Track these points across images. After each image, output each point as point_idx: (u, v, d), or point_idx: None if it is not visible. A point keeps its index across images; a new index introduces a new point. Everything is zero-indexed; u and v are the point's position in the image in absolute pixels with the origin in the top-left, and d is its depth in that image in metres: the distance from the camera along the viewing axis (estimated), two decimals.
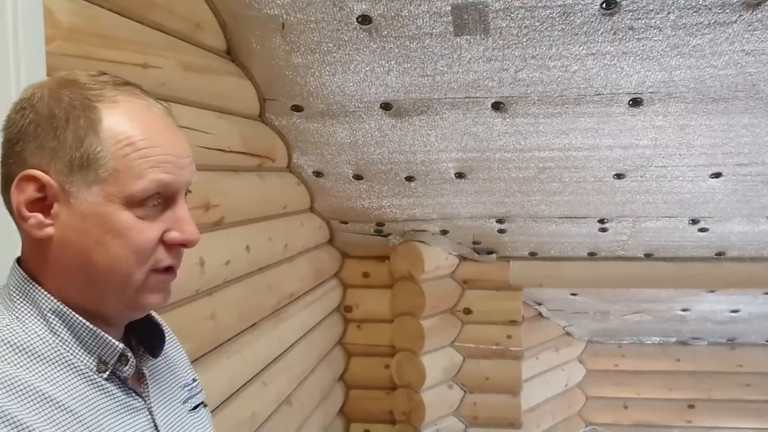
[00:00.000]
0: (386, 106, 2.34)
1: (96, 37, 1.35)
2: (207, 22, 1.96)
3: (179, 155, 0.84)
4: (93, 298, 0.82)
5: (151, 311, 0.95)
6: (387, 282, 3.33)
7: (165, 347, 0.97)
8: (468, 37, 2.03)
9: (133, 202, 0.80)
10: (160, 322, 0.97)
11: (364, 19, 2.01)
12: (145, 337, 0.94)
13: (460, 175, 2.67)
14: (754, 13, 1.86)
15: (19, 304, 0.81)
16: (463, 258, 3.31)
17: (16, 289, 0.82)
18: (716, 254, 3.04)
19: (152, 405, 0.89)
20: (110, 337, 0.83)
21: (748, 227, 2.83)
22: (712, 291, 3.41)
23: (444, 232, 3.14)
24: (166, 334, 1.00)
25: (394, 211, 2.97)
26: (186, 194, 0.87)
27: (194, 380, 1.04)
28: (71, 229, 0.79)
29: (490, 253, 3.25)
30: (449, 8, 1.95)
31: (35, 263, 0.82)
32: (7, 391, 0.72)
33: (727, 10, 1.87)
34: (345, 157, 2.64)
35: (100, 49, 1.36)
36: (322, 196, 2.90)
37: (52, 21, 1.21)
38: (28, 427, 0.72)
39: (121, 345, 0.84)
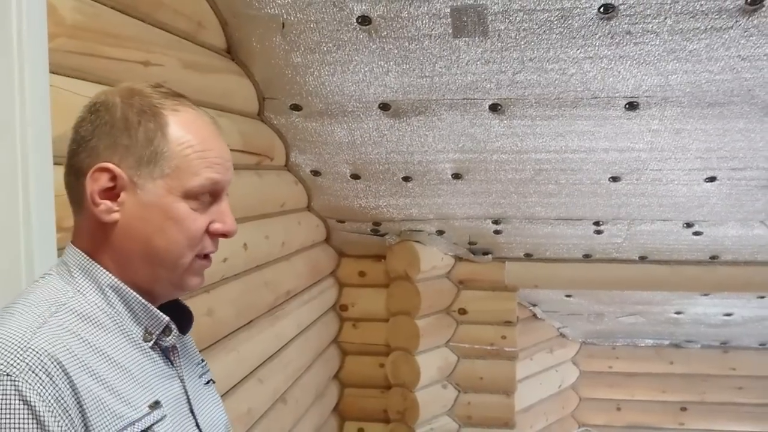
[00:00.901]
0: (384, 107, 2.36)
1: (99, 35, 1.37)
2: (208, 20, 1.97)
3: (226, 158, 0.99)
4: (147, 277, 0.95)
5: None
6: (383, 281, 3.35)
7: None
8: (467, 39, 2.05)
9: (189, 196, 0.94)
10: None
11: (364, 20, 2.02)
12: (174, 316, 1.04)
13: (456, 176, 2.68)
14: (750, 19, 1.88)
15: (79, 279, 0.93)
16: (458, 258, 3.32)
17: (77, 266, 0.94)
18: (710, 258, 3.06)
19: (183, 374, 1.02)
20: (158, 311, 0.95)
21: (742, 231, 2.85)
22: (705, 294, 3.43)
23: (440, 233, 3.16)
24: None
25: (390, 211, 2.99)
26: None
27: (203, 360, 1.16)
28: (135, 216, 0.92)
29: (485, 253, 3.27)
30: (448, 10, 1.96)
31: (95, 244, 0.94)
32: (83, 348, 0.85)
33: (724, 16, 1.88)
34: (343, 157, 2.65)
35: (103, 47, 1.38)
36: (319, 195, 2.92)
37: (55, 18, 1.22)
38: (101, 377, 0.85)
39: (167, 318, 0.96)
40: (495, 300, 3.36)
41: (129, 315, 0.93)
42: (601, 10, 1.90)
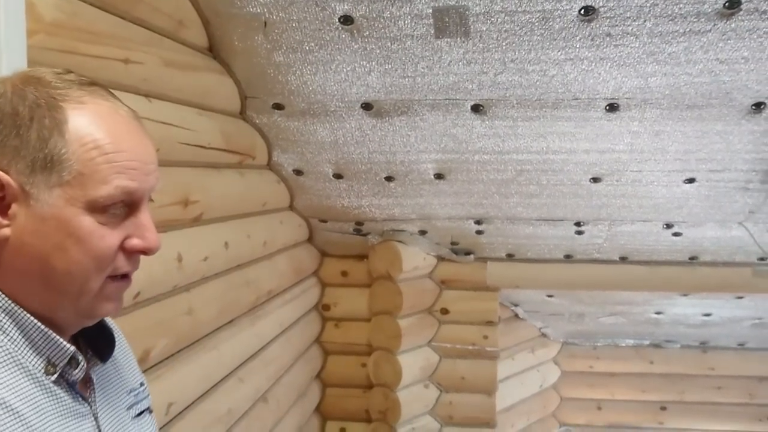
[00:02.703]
0: (367, 106, 2.36)
1: (78, 32, 1.36)
2: (190, 19, 1.97)
3: (145, 161, 0.83)
4: (46, 304, 0.81)
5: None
6: (365, 281, 3.35)
7: (115, 351, 0.96)
8: (448, 39, 2.06)
9: (95, 208, 0.78)
10: (111, 326, 0.95)
11: (346, 20, 2.02)
12: (94, 341, 0.92)
13: (439, 176, 2.69)
14: (728, 22, 1.90)
15: None
16: (441, 258, 3.33)
17: None
18: (689, 258, 3.09)
19: (98, 411, 0.87)
20: (61, 339, 0.81)
21: (721, 232, 2.88)
22: (685, 295, 3.46)
23: (422, 233, 3.17)
24: (116, 337, 0.99)
25: (373, 211, 2.99)
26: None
27: (141, 384, 1.02)
28: (29, 232, 0.77)
29: (467, 254, 3.28)
30: (430, 11, 1.97)
31: None
32: None
33: (702, 20, 1.91)
34: (325, 156, 2.65)
35: (83, 44, 1.37)
36: (301, 194, 2.91)
37: (34, 15, 1.22)
38: None
39: (72, 348, 0.82)
40: (477, 300, 3.37)
41: (26, 344, 0.79)
42: (582, 12, 1.92)
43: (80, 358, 0.83)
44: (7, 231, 0.77)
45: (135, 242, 0.82)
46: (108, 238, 0.80)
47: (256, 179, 2.56)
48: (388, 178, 2.74)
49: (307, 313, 3.20)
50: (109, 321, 1.00)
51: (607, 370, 4.44)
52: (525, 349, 4.11)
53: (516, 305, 3.87)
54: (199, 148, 1.95)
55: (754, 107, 2.19)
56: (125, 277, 0.85)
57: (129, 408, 0.95)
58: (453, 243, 3.22)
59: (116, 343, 0.96)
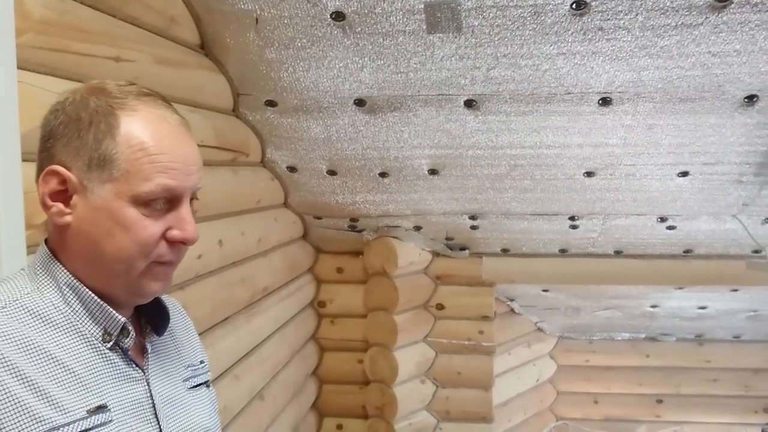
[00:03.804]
0: (360, 103, 2.36)
1: (68, 30, 1.36)
2: (181, 16, 1.96)
3: (187, 163, 0.95)
4: (101, 281, 0.93)
5: (163, 297, 1.07)
6: (361, 277, 3.35)
7: (176, 330, 1.12)
8: (441, 35, 2.05)
9: (139, 201, 0.91)
10: (169, 306, 1.07)
11: (338, 16, 2.02)
12: (154, 318, 1.05)
13: (433, 172, 2.69)
14: (719, 15, 1.90)
15: (41, 277, 0.93)
16: (436, 254, 3.33)
17: (41, 264, 0.94)
18: (684, 252, 3.09)
19: (150, 377, 0.99)
20: (114, 312, 0.93)
21: (715, 225, 2.88)
22: (680, 288, 3.47)
23: (417, 228, 3.17)
24: (182, 317, 1.17)
25: (367, 207, 2.99)
26: (193, 199, 0.98)
27: (201, 362, 1.15)
28: (86, 219, 0.91)
29: (462, 249, 3.28)
30: (422, 6, 1.97)
31: (57, 244, 0.94)
32: (17, 347, 0.84)
33: (694, 13, 1.91)
34: (319, 153, 2.65)
35: (73, 42, 1.36)
36: (296, 191, 2.91)
37: (23, 13, 1.21)
38: (29, 378, 0.83)
39: (123, 319, 0.94)
40: (472, 295, 3.38)
41: (86, 315, 0.92)
42: (574, 6, 1.92)
43: (130, 328, 0.96)
44: (69, 218, 0.91)
45: (175, 233, 0.94)
46: (150, 228, 0.92)
47: (250, 176, 2.55)
48: (382, 174, 2.74)
49: (302, 309, 3.20)
50: (173, 303, 1.16)
51: (603, 364, 4.44)
52: (521, 344, 4.11)
53: (512, 300, 3.88)
54: None
55: (746, 100, 2.19)
56: (170, 263, 0.97)
57: (185, 380, 1.08)
58: (448, 238, 3.23)
59: (179, 323, 1.14)
